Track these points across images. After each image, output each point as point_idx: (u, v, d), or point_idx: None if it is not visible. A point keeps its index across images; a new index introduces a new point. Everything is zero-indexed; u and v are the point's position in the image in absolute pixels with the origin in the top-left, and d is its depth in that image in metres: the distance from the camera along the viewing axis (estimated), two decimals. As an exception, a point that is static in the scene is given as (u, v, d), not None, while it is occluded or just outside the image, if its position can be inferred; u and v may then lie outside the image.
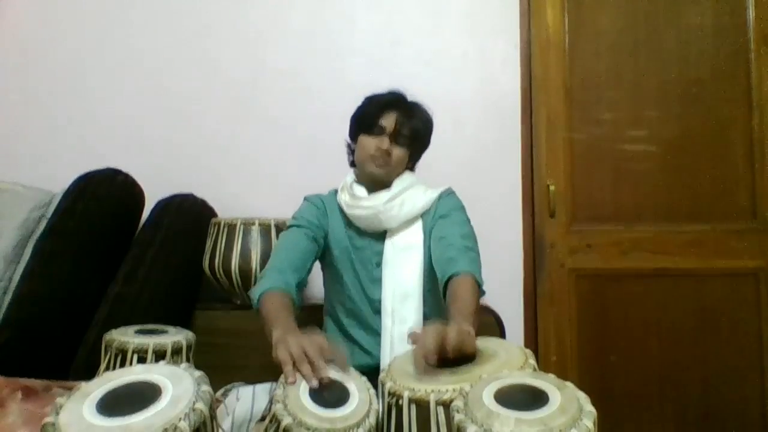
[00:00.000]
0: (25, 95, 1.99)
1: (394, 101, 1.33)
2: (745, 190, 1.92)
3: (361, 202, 1.30)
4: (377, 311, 1.29)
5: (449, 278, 1.13)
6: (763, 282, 1.89)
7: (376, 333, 1.29)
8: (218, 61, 1.98)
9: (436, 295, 1.34)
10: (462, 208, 1.35)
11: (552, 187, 1.93)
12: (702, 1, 1.97)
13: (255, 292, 1.14)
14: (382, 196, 1.30)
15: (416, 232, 1.31)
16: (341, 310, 1.36)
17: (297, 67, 1.97)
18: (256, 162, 1.95)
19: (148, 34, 2.00)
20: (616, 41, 1.97)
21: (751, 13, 1.96)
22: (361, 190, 1.33)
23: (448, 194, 1.38)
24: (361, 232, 1.34)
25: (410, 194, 1.32)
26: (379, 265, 1.31)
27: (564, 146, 1.95)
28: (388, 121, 1.30)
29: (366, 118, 1.33)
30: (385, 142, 1.29)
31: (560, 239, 1.93)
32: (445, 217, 1.31)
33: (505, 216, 1.91)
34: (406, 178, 1.35)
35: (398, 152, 1.31)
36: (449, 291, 1.11)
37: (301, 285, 1.24)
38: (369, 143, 1.30)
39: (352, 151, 1.41)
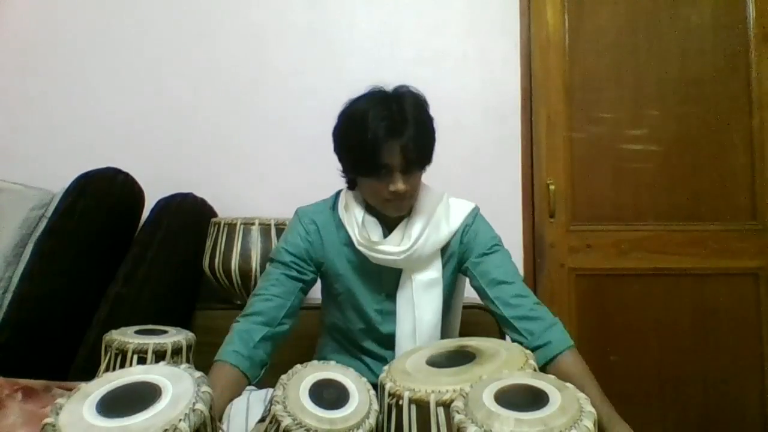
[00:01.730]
0: (25, 95, 1.99)
1: (390, 127, 1.03)
2: (745, 190, 1.92)
3: (379, 247, 1.12)
4: (386, 345, 1.18)
5: (549, 351, 1.04)
6: (763, 282, 1.89)
7: (383, 360, 1.16)
8: (219, 61, 1.98)
9: (446, 332, 1.23)
10: (498, 237, 1.19)
11: (552, 187, 1.93)
12: (702, 1, 1.97)
13: (220, 350, 1.04)
14: (403, 240, 1.12)
15: (437, 266, 1.16)
16: (342, 338, 1.24)
17: (297, 67, 1.97)
18: (256, 162, 1.95)
19: (148, 33, 2.00)
20: (616, 41, 1.97)
21: (751, 12, 1.95)
22: (374, 229, 1.14)
23: (474, 218, 1.20)
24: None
25: (434, 226, 1.14)
26: (389, 296, 1.17)
27: (564, 146, 1.95)
28: (392, 155, 1.04)
29: (362, 160, 1.06)
30: (398, 183, 1.05)
31: (560, 239, 1.93)
32: (490, 254, 1.14)
33: (505, 216, 1.91)
34: (425, 204, 1.16)
35: (414, 180, 1.11)
36: (562, 369, 1.05)
37: (286, 327, 1.12)
38: (379, 188, 1.08)
39: (347, 173, 1.19)
